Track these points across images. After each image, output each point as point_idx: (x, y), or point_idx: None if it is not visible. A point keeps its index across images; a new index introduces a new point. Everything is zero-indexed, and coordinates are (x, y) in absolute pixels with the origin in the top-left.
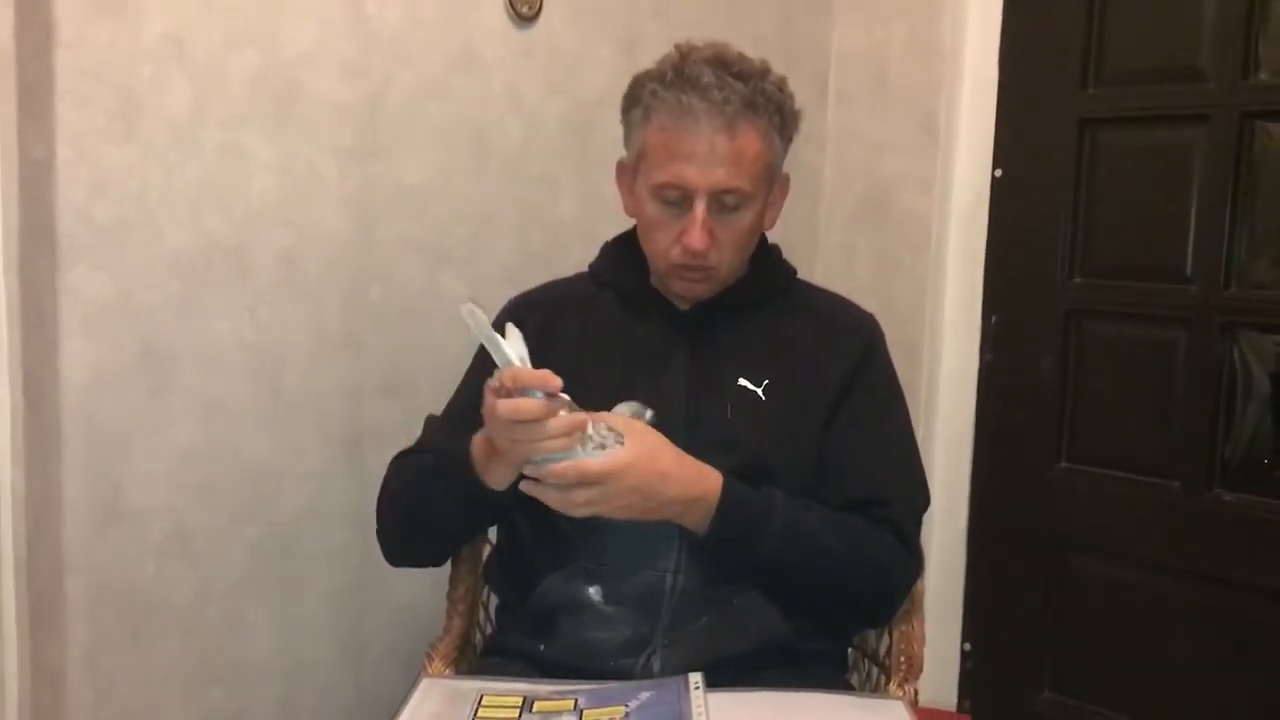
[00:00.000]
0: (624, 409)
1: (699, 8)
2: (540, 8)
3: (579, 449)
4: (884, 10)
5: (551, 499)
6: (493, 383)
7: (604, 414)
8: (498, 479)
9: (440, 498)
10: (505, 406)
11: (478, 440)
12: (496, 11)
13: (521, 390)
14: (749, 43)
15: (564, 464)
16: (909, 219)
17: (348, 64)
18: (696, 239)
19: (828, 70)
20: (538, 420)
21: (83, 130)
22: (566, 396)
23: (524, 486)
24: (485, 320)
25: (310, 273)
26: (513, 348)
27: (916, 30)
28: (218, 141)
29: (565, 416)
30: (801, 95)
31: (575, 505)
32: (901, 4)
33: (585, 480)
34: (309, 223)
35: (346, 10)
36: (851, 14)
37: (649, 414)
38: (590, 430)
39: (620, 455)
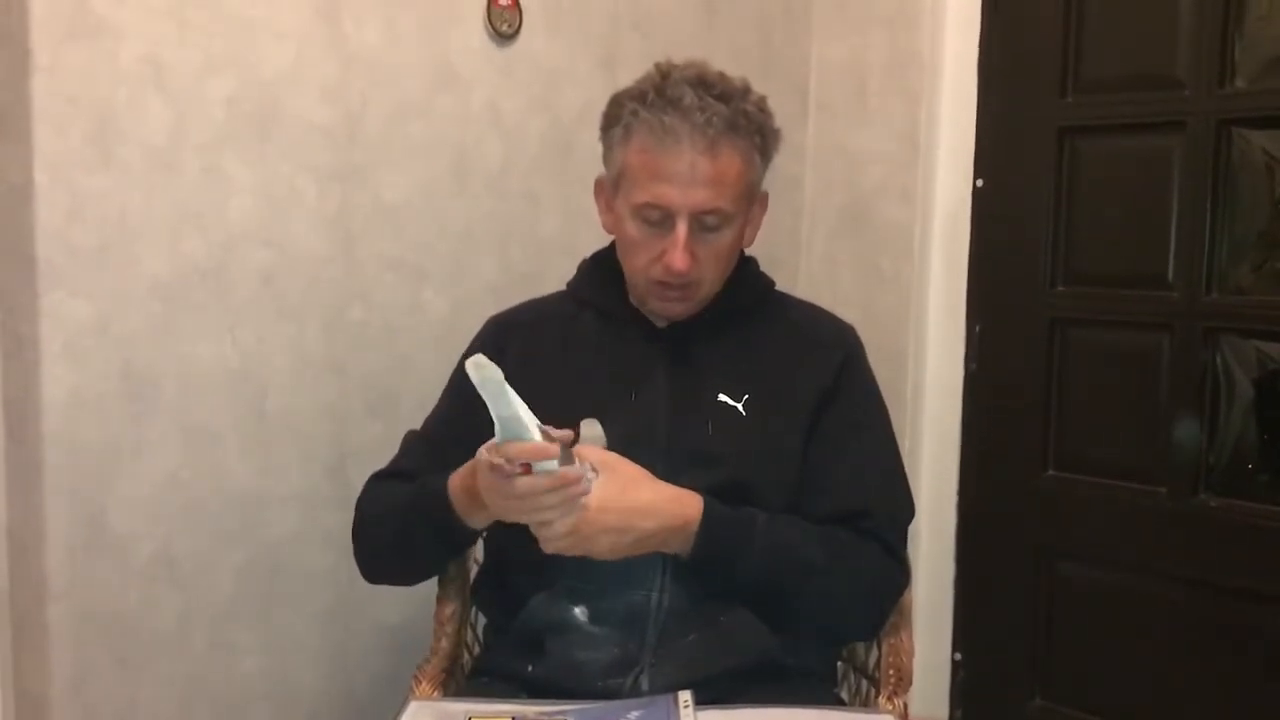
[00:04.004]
0: (584, 428)
1: (678, 22)
2: (520, 25)
3: None
4: (863, 22)
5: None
6: (494, 458)
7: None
8: (480, 523)
9: (420, 533)
10: (524, 486)
11: (457, 485)
12: (476, 30)
13: (523, 463)
14: (729, 55)
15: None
16: (891, 229)
17: (326, 85)
18: (679, 260)
19: (808, 82)
20: (543, 495)
21: (60, 155)
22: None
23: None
24: (498, 374)
25: (291, 293)
26: (521, 407)
27: (896, 41)
28: (197, 164)
29: (569, 493)
30: (782, 107)
31: (556, 537)
32: (880, 15)
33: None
34: (289, 243)
35: (324, 31)
36: (831, 26)
37: (598, 432)
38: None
39: (590, 499)
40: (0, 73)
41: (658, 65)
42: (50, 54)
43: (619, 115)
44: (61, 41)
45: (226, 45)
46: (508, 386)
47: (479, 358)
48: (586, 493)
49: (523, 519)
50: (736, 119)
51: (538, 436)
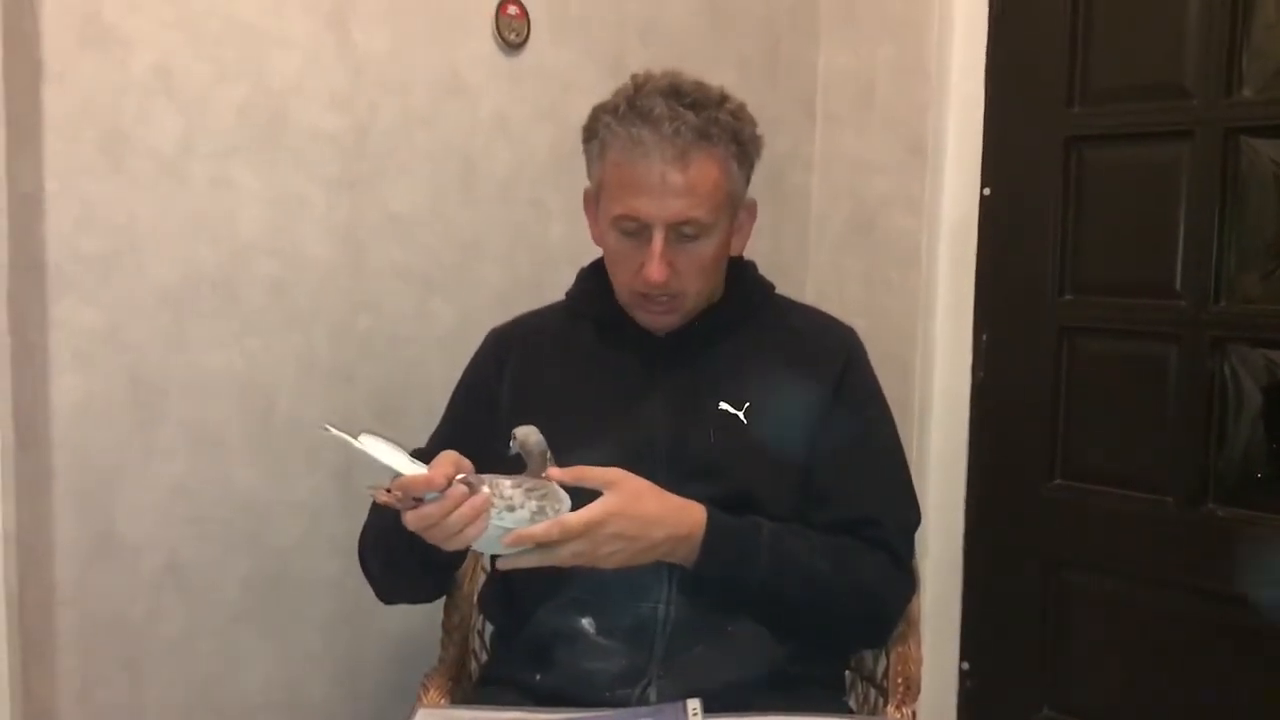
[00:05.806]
0: (521, 433)
1: (685, 31)
2: (528, 35)
3: (495, 521)
4: (870, 31)
5: (533, 561)
6: (385, 497)
7: (501, 477)
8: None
9: (401, 553)
10: (413, 520)
11: None
12: (484, 39)
13: (416, 496)
14: (735, 64)
15: (544, 525)
16: (898, 238)
17: (335, 93)
18: (654, 271)
19: (815, 91)
20: (445, 518)
21: (71, 163)
22: (460, 481)
23: (501, 565)
24: (347, 438)
25: (299, 302)
26: (381, 452)
27: (903, 51)
28: (206, 173)
29: (465, 508)
30: (789, 116)
31: (563, 559)
32: (888, 25)
33: (567, 535)
34: (297, 252)
35: (333, 40)
36: (838, 35)
37: (532, 436)
38: (495, 499)
39: (599, 506)
40: (11, 81)
41: (633, 76)
42: (61, 63)
43: (595, 129)
44: (72, 50)
45: (236, 54)
46: (366, 440)
47: (327, 432)
48: (487, 503)
49: (456, 545)
50: (708, 128)
51: (412, 473)
